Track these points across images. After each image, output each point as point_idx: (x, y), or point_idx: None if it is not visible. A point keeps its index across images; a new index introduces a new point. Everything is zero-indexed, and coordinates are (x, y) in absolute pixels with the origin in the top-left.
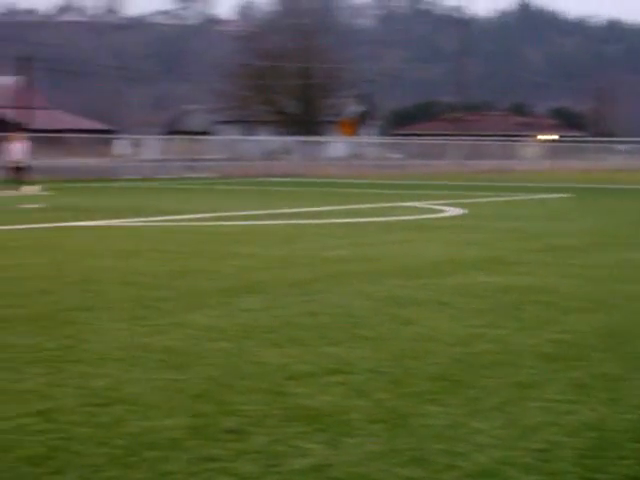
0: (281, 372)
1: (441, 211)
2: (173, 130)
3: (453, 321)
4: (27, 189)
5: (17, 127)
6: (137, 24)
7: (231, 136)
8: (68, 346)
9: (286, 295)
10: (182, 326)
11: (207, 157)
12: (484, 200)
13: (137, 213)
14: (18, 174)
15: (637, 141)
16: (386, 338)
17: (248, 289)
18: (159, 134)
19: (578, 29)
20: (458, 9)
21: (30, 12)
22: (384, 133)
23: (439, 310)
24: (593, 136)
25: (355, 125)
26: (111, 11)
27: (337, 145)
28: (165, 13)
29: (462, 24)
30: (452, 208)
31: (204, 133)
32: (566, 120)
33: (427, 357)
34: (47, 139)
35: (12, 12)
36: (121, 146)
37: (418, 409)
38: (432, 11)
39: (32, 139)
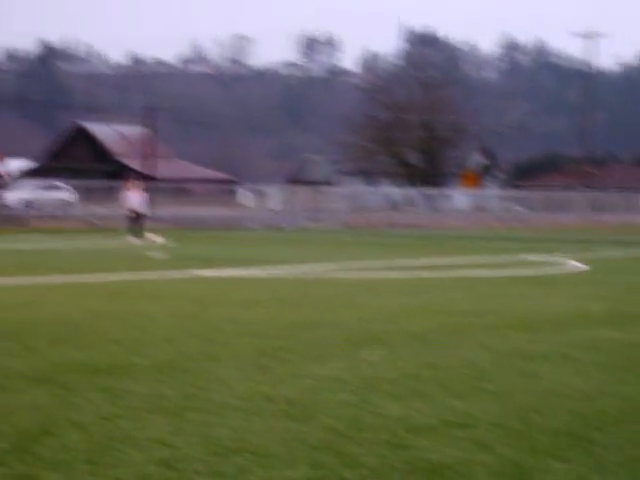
0: (402, 424)
1: (565, 264)
2: (296, 180)
3: (578, 375)
4: (151, 238)
5: (136, 176)
6: (262, 75)
7: (354, 187)
8: (191, 395)
9: (408, 347)
10: (304, 377)
11: (330, 207)
12: (609, 254)
13: (260, 263)
14: (135, 222)
15: None
16: (509, 392)
17: (370, 340)
18: (283, 184)
19: None
20: (583, 62)
21: (156, 63)
22: (507, 185)
23: (563, 364)
24: None
25: (478, 177)
26: (236, 62)
27: (460, 197)
28: (290, 64)
29: (587, 77)
30: (576, 262)
31: (327, 183)
32: None
33: (551, 411)
34: (171, 189)
35: (139, 63)
36: (245, 196)
37: (541, 464)
38: (557, 63)
39: (156, 189)
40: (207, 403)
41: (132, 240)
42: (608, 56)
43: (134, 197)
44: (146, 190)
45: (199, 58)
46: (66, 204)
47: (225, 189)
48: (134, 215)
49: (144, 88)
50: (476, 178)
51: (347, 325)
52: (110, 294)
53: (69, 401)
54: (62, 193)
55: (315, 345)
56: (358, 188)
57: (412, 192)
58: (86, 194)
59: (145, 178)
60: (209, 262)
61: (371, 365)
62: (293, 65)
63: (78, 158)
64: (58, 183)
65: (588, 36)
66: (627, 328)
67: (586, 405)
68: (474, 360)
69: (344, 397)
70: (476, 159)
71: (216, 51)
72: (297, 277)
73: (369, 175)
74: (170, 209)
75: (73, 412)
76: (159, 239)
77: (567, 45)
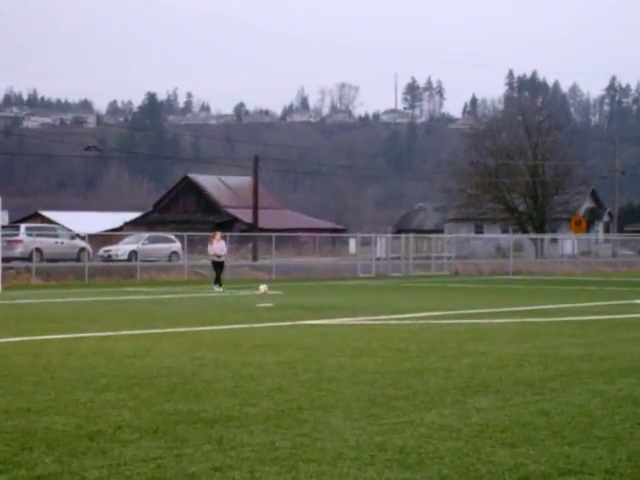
0: (515, 472)
1: None
2: (403, 228)
3: None
4: (260, 288)
5: (217, 227)
6: (366, 123)
7: (461, 234)
8: (302, 445)
9: (520, 394)
10: (416, 425)
11: (438, 255)
12: None
13: (369, 311)
14: (218, 270)
15: None
16: (623, 438)
17: (481, 388)
18: (390, 232)
19: None
20: None
21: (262, 113)
22: (615, 230)
23: None
24: None
25: (586, 222)
26: (340, 111)
27: (568, 242)
28: (393, 112)
29: None
30: None
31: (434, 231)
32: None
33: None
34: (277, 238)
35: (243, 113)
36: (352, 244)
37: None
38: None
39: (263, 239)
40: (319, 453)
41: (216, 289)
42: None
43: (216, 247)
44: (226, 239)
45: (303, 107)
46: (174, 255)
47: (332, 238)
48: (216, 262)
49: (250, 138)
50: (584, 223)
51: (457, 372)
52: (220, 345)
53: (181, 452)
54: (171, 244)
55: (425, 393)
56: (465, 235)
57: (519, 238)
58: (193, 245)
59: (252, 228)
60: (317, 311)
61: (482, 412)
62: (397, 112)
63: (186, 209)
64: (167, 234)
65: None
66: None
67: None
68: (585, 406)
69: (455, 445)
70: (584, 204)
71: (321, 100)
72: (405, 325)
73: (476, 221)
74: (277, 259)
75: (185, 463)
76: (266, 289)
77: None
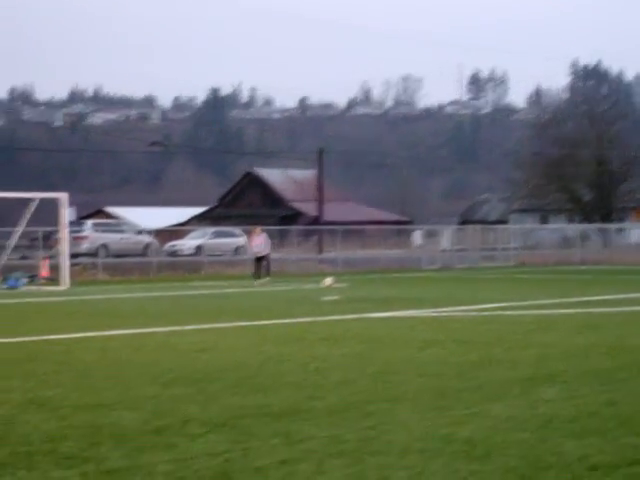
0: (582, 463)
1: None
2: (468, 219)
3: None
4: (326, 281)
5: (256, 222)
6: (430, 115)
7: (527, 225)
8: (369, 437)
9: (586, 384)
10: (483, 416)
11: (503, 246)
12: None
13: (435, 303)
14: (258, 265)
15: None
16: None
17: (548, 378)
18: (455, 223)
19: None
20: None
21: (325, 106)
22: None
23: None
24: None
25: None
26: (404, 103)
27: (636, 231)
28: (457, 103)
29: None
30: None
31: (499, 222)
32: None
33: None
34: (344, 231)
35: (307, 106)
36: (417, 236)
37: None
38: None
39: (328, 232)
40: (386, 446)
41: (256, 283)
42: None
43: (257, 242)
44: (266, 234)
45: (367, 100)
46: (240, 250)
47: (397, 230)
48: (257, 258)
49: (314, 131)
50: None
51: (523, 363)
52: (286, 338)
53: (248, 446)
54: (236, 239)
55: (492, 384)
56: (531, 225)
57: (585, 228)
58: None
59: (317, 221)
60: (382, 303)
61: (549, 403)
62: (461, 103)
63: (250, 204)
64: (232, 229)
65: None
66: None
67: None
68: None
69: (523, 436)
70: None
71: (384, 92)
72: (471, 316)
73: (541, 212)
74: (343, 252)
75: (252, 457)
76: (332, 282)
77: None
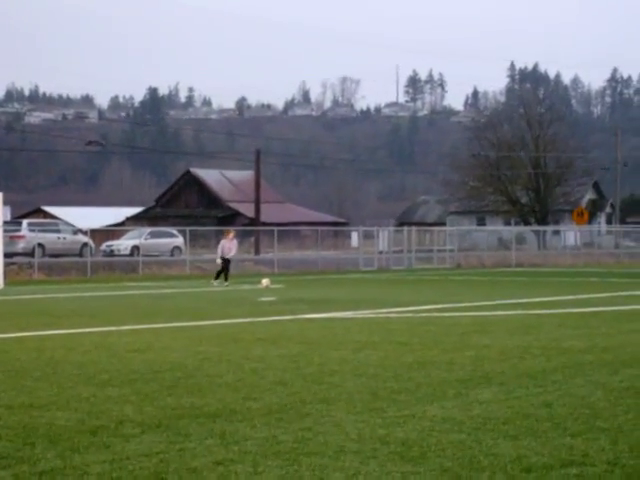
0: (517, 464)
1: None
2: (406, 221)
3: None
4: (263, 282)
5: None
6: (367, 116)
7: (463, 226)
8: (305, 438)
9: (522, 386)
10: (418, 418)
11: (440, 247)
12: None
13: (370, 304)
14: (222, 267)
15: None
16: (625, 430)
17: (484, 380)
18: (392, 225)
19: None
20: None
21: (263, 107)
22: (618, 221)
23: None
24: None
25: (588, 214)
26: (342, 104)
27: (570, 234)
28: (395, 105)
29: None
30: None
31: (437, 224)
32: None
33: None
34: (279, 232)
35: (246, 107)
36: (354, 238)
37: None
38: None
39: (265, 233)
40: (322, 447)
41: (214, 283)
42: None
43: (229, 245)
44: (235, 237)
45: (305, 101)
46: (177, 250)
47: (334, 231)
48: (225, 260)
49: (251, 132)
50: (587, 214)
51: (459, 364)
52: (222, 339)
53: (183, 447)
54: (173, 239)
55: (428, 386)
56: (467, 227)
57: (522, 230)
58: (195, 240)
59: (254, 222)
60: (319, 305)
61: (484, 404)
62: (399, 105)
63: (188, 204)
64: (169, 229)
65: None
66: None
67: None
68: (588, 398)
69: (458, 437)
70: (586, 196)
71: (322, 93)
72: (408, 318)
73: (478, 214)
74: (279, 253)
75: (187, 458)
76: (269, 283)
77: None
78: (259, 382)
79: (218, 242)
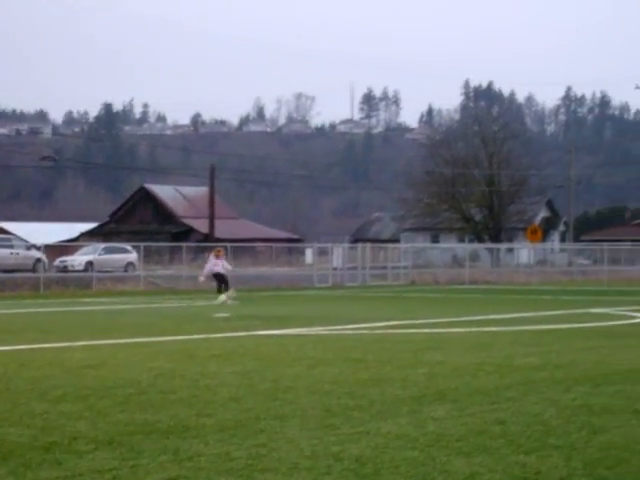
0: None
1: (633, 317)
2: (360, 238)
3: None
4: (221, 298)
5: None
6: (322, 133)
7: (418, 243)
8: (259, 455)
9: (474, 402)
10: (372, 435)
11: (394, 264)
12: None
13: (325, 321)
14: (224, 280)
15: None
16: (578, 447)
17: (438, 397)
18: (347, 242)
19: None
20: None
21: (218, 123)
22: (571, 239)
23: (634, 418)
24: None
25: (542, 231)
26: (296, 120)
27: (524, 252)
28: (350, 122)
29: None
30: None
31: (391, 241)
32: None
33: (620, 466)
34: (234, 249)
35: (200, 123)
36: (309, 254)
37: None
38: (619, 116)
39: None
40: (276, 463)
41: (221, 298)
42: None
43: (218, 262)
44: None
45: (260, 117)
46: (130, 266)
47: (288, 248)
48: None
49: (206, 148)
50: (540, 232)
51: (413, 381)
52: (176, 355)
53: (136, 463)
54: (127, 255)
55: (381, 402)
56: (421, 244)
57: (476, 247)
58: (149, 256)
59: (208, 238)
60: (274, 321)
61: (438, 421)
62: (354, 122)
63: (142, 220)
64: (123, 245)
65: None
66: None
67: None
68: (541, 415)
69: (411, 454)
70: (540, 213)
71: (277, 110)
72: (362, 334)
73: (433, 231)
74: (234, 269)
75: (141, 474)
76: (224, 299)
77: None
78: (213, 398)
79: (172, 258)
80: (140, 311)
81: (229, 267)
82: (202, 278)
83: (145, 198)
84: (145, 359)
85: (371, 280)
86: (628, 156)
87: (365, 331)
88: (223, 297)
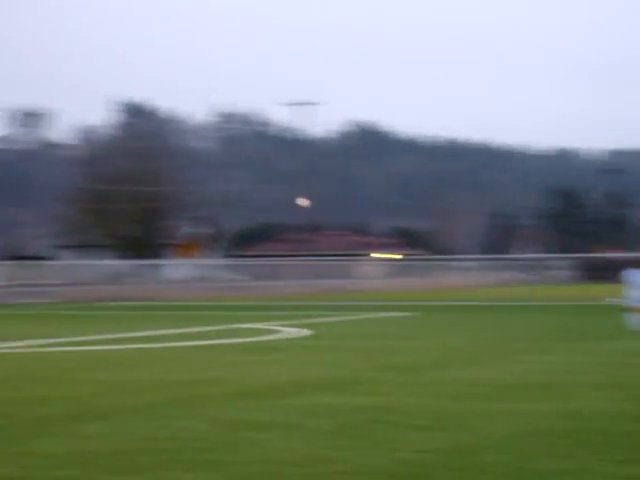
0: None
1: (282, 332)
2: (11, 255)
3: (298, 442)
4: None
5: None
6: None
7: (70, 260)
8: None
9: (126, 420)
10: (24, 455)
11: (45, 282)
12: (327, 320)
13: None
14: None
15: (476, 258)
16: (235, 462)
17: (88, 414)
18: None
19: (419, 149)
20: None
21: None
22: (229, 255)
23: (288, 431)
24: (434, 254)
25: (195, 247)
26: None
27: (179, 267)
28: (3, 139)
29: (300, 145)
30: (295, 328)
31: (43, 258)
32: (408, 239)
33: (275, 479)
34: None
35: None
36: None
37: None
38: (268, 132)
39: None
40: None
41: None
42: (323, 124)
43: None
44: None
45: None
46: None
47: None
48: None
49: None
50: (192, 247)
51: (67, 400)
52: None
53: None
54: None
55: (34, 422)
56: (72, 261)
57: (130, 264)
58: None
59: None
60: None
61: (87, 440)
62: (7, 139)
63: None
64: None
65: (301, 105)
66: (349, 392)
67: (307, 471)
68: (198, 431)
69: (62, 474)
70: (190, 229)
71: None
72: (11, 353)
73: (87, 248)
74: None
75: None
76: None
77: (280, 114)
78: None
79: None
80: None
81: None
82: None
83: None
84: None
85: (21, 298)
86: (280, 172)
87: (14, 350)
88: None
